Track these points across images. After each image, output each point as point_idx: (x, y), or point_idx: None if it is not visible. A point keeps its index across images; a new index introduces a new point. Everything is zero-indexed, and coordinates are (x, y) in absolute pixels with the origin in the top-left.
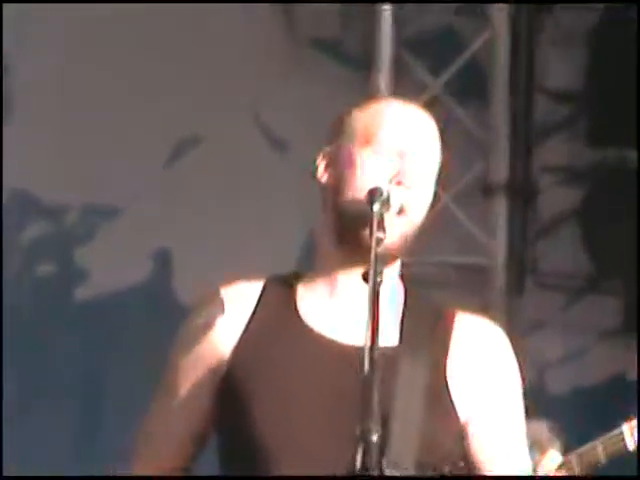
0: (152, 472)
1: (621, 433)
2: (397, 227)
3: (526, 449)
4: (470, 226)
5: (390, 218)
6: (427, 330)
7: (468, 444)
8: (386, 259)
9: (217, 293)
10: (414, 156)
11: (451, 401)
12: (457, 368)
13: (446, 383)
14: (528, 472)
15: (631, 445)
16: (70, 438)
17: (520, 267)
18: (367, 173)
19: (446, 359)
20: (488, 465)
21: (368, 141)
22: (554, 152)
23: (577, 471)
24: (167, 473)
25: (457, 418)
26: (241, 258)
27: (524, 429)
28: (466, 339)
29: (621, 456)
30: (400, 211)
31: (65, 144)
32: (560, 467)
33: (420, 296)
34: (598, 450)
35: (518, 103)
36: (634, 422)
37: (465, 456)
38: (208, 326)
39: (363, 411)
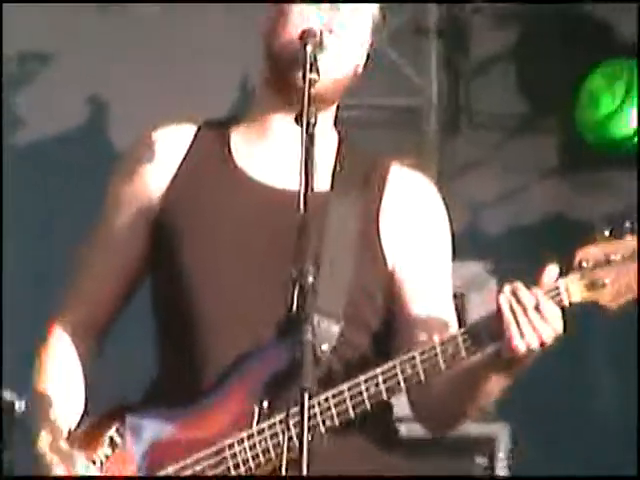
0: (84, 314)
1: (557, 288)
2: (323, 66)
3: (451, 299)
4: (403, 67)
5: (322, 63)
6: (360, 178)
7: (395, 292)
8: (320, 104)
9: (148, 136)
10: (347, 5)
11: (381, 248)
12: (388, 217)
13: (377, 230)
14: (453, 321)
15: (566, 301)
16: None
17: (454, 107)
18: (300, 20)
19: (378, 208)
20: (413, 311)
21: None
22: None
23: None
24: (99, 316)
25: (385, 265)
26: (177, 103)
27: (449, 281)
28: (399, 190)
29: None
30: (332, 56)
31: None
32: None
33: (354, 143)
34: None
35: None
36: (572, 277)
37: (390, 308)
38: (139, 168)
39: (297, 253)
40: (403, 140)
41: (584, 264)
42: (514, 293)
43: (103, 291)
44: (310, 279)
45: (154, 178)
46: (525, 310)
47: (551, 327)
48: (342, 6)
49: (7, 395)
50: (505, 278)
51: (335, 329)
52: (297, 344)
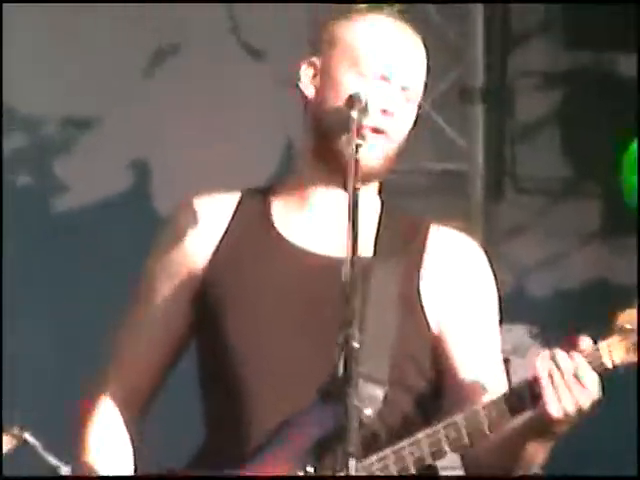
0: (127, 388)
1: (597, 349)
2: (379, 148)
3: (500, 360)
4: (448, 132)
5: (373, 139)
6: (401, 242)
7: (441, 355)
8: (369, 177)
9: (191, 204)
10: (400, 84)
11: (423, 312)
12: (430, 279)
13: (418, 294)
14: (503, 383)
15: (608, 363)
16: (52, 349)
17: (498, 172)
18: (347, 87)
19: (419, 270)
20: (461, 375)
21: (355, 63)
22: (530, 56)
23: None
24: (144, 388)
25: (428, 328)
26: (219, 168)
27: (498, 341)
28: (440, 251)
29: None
30: (381, 132)
31: (43, 55)
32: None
33: (396, 208)
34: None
35: (494, 8)
36: (614, 338)
37: (437, 369)
38: (182, 237)
39: (344, 318)
40: (448, 205)
41: (627, 326)
42: (553, 358)
43: (147, 363)
44: (356, 344)
45: (197, 247)
46: (562, 375)
47: (588, 393)
48: (395, 81)
49: (52, 460)
50: (548, 343)
51: (379, 393)
52: (341, 409)
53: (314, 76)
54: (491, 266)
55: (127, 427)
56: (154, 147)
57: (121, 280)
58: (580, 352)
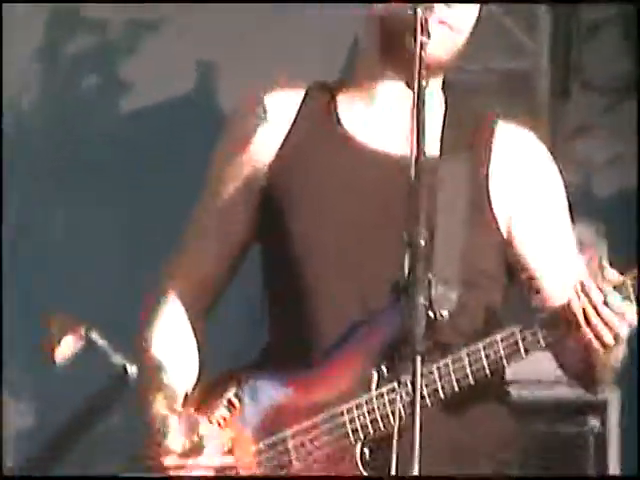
0: (193, 283)
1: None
2: (443, 41)
3: (575, 252)
4: (515, 31)
5: (436, 30)
6: (468, 140)
7: (515, 256)
8: (433, 70)
9: (257, 100)
10: None
11: (492, 211)
12: (498, 178)
13: (488, 193)
14: (580, 274)
15: None
16: (116, 242)
17: (564, 70)
18: None
19: (487, 169)
20: (538, 273)
21: None
22: None
23: (620, 297)
24: (209, 286)
25: (498, 228)
26: (285, 66)
27: (571, 235)
28: (507, 149)
29: None
30: (444, 22)
31: None
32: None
33: (461, 105)
34: None
35: None
36: None
37: (508, 270)
38: (247, 134)
39: (409, 217)
40: (514, 104)
41: None
42: (582, 288)
43: (213, 260)
44: (422, 242)
45: (263, 144)
46: (595, 307)
47: (623, 321)
48: None
49: (117, 359)
50: (615, 242)
51: (452, 295)
52: (410, 308)
53: None
54: (557, 165)
55: (192, 323)
56: (219, 47)
57: (187, 179)
58: (610, 282)
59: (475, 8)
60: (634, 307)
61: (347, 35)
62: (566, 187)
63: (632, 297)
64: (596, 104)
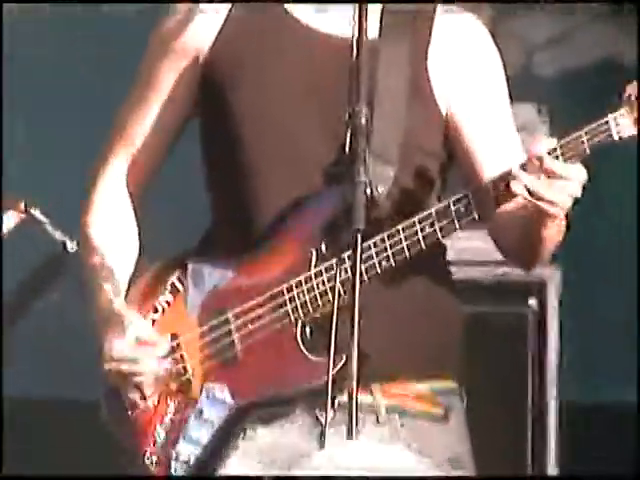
0: (132, 161)
1: (606, 122)
2: None
3: (514, 131)
4: None
5: None
6: (408, 22)
7: (453, 134)
8: None
9: None
10: None
11: (432, 92)
12: (438, 59)
13: (427, 74)
14: (519, 154)
15: (616, 135)
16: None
17: None
18: None
19: (427, 50)
20: (478, 153)
21: None
22: None
23: (561, 160)
24: (147, 163)
25: (437, 108)
26: None
27: (510, 115)
28: (447, 32)
29: (605, 145)
30: None
31: None
32: (549, 153)
33: None
34: (583, 140)
35: None
36: (621, 111)
37: (449, 149)
38: (187, 14)
39: (350, 95)
40: None
41: (632, 98)
42: (533, 157)
43: (151, 138)
44: (363, 120)
45: (203, 23)
46: (547, 170)
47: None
48: None
49: (58, 235)
50: (556, 122)
51: (390, 172)
52: (350, 186)
53: None
54: (498, 44)
55: (131, 202)
56: None
57: (126, 54)
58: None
59: None
60: (579, 166)
61: None
62: (506, 67)
63: (612, 138)
64: None
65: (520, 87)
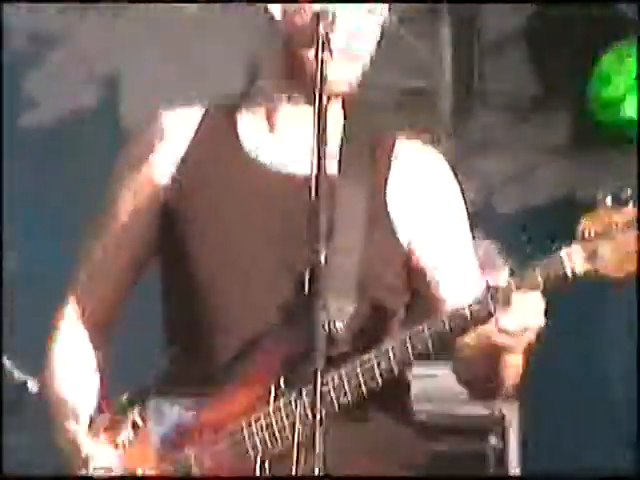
0: (93, 302)
1: (560, 258)
2: (343, 70)
3: (475, 263)
4: (416, 48)
5: (336, 62)
6: (366, 157)
7: (413, 267)
8: (333, 96)
9: (155, 118)
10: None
11: (392, 227)
12: (397, 193)
13: (386, 208)
14: (479, 285)
15: (569, 270)
16: (23, 266)
17: (466, 88)
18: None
19: (386, 185)
20: (438, 288)
21: None
22: None
23: (518, 292)
24: (107, 304)
25: (399, 244)
26: (186, 85)
27: (471, 247)
28: (406, 164)
29: (559, 282)
30: (348, 52)
31: None
32: (504, 289)
33: (359, 121)
34: (536, 274)
35: None
36: (574, 247)
37: (409, 283)
38: (146, 152)
39: (310, 235)
40: (416, 122)
41: (586, 234)
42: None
43: (111, 279)
44: (322, 260)
45: (162, 162)
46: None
47: (531, 316)
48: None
49: (17, 375)
50: (515, 258)
51: (349, 308)
52: (309, 324)
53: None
54: (459, 182)
55: (93, 342)
56: (122, 63)
57: (88, 195)
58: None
59: (377, 33)
60: (537, 296)
61: (245, 58)
62: (467, 204)
63: (566, 273)
64: (497, 122)
65: (480, 224)
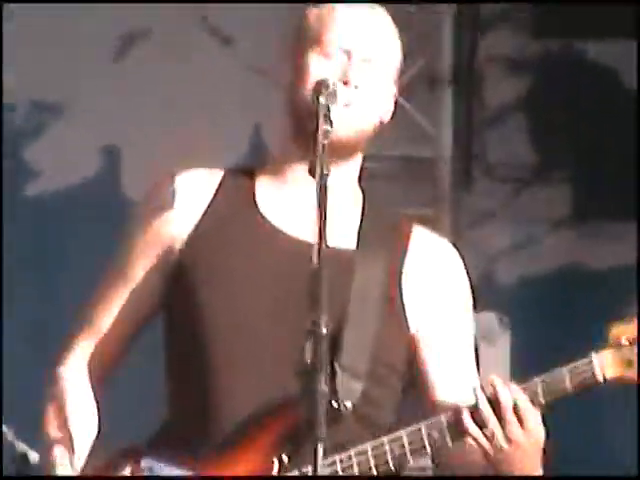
0: (95, 353)
1: (590, 362)
2: (346, 120)
3: (474, 366)
4: (416, 118)
5: (339, 112)
6: (384, 239)
7: (416, 354)
8: (341, 153)
9: (171, 180)
10: (361, 55)
11: (404, 310)
12: (411, 280)
13: (400, 292)
14: (474, 387)
15: (600, 377)
16: (23, 332)
17: (466, 158)
18: (315, 73)
19: (402, 270)
20: (434, 376)
21: (317, 42)
22: (499, 42)
23: (540, 398)
24: (108, 354)
25: (407, 327)
26: (189, 154)
27: (472, 349)
28: (422, 254)
29: (590, 388)
30: (347, 105)
31: (11, 41)
32: (524, 390)
33: (377, 202)
34: (565, 379)
35: None
36: (606, 352)
37: (410, 369)
38: (162, 211)
39: (312, 304)
40: (416, 191)
41: (622, 341)
42: (494, 389)
43: (116, 334)
44: (324, 330)
45: (177, 224)
46: (503, 411)
47: (526, 429)
48: (357, 54)
49: (20, 447)
50: (517, 329)
51: (357, 387)
52: (312, 395)
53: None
54: (460, 254)
55: (93, 387)
56: (124, 133)
57: (89, 264)
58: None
59: (381, 89)
60: (535, 412)
61: (249, 126)
62: (469, 275)
63: (597, 379)
64: (498, 192)
65: (481, 295)
